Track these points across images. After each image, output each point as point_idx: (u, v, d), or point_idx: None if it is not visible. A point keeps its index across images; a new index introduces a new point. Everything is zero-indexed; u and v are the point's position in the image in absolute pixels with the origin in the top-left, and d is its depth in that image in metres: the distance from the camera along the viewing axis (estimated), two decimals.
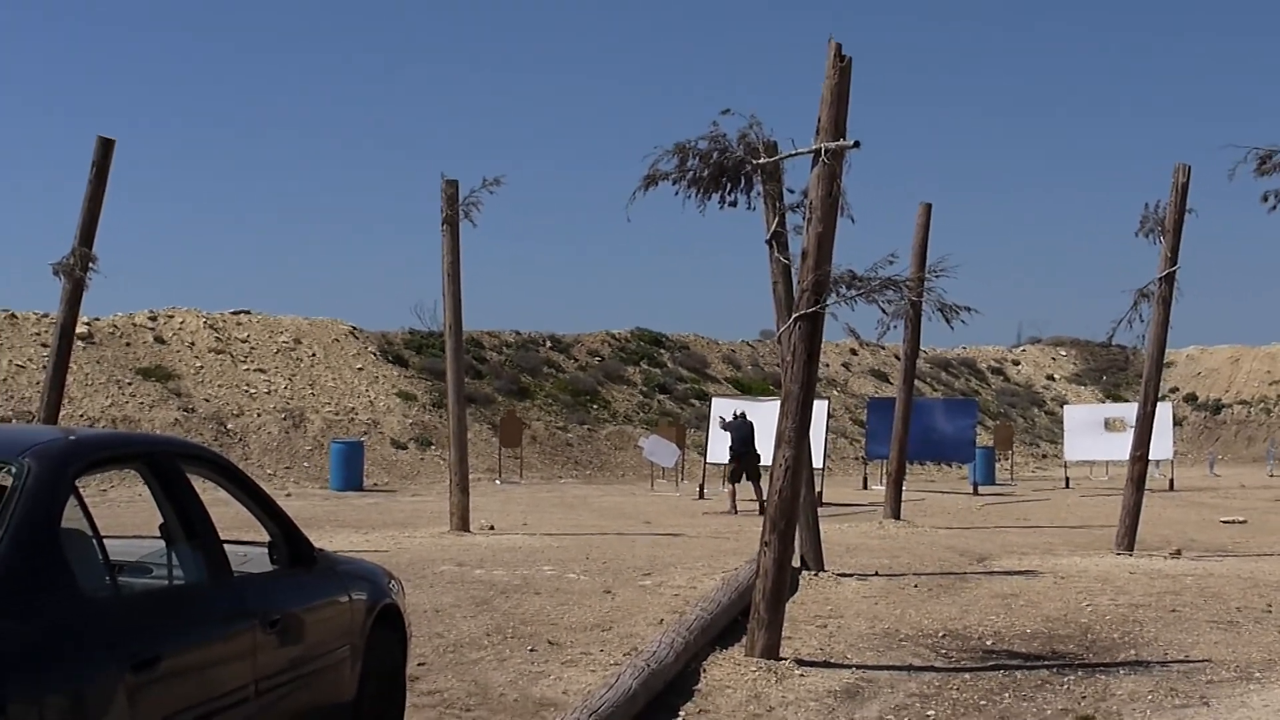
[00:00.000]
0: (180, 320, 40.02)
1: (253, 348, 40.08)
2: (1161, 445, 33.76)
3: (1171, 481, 38.85)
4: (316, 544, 7.35)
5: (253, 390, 37.84)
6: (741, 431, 27.95)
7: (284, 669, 6.42)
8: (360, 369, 41.30)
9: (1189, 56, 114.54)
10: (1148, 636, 12.43)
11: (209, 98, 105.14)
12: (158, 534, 6.24)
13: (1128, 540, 19.67)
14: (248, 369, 38.82)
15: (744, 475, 27.87)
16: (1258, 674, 10.61)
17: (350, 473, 32.78)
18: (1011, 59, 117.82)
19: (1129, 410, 33.38)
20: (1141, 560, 18.61)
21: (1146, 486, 20.69)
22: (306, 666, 6.68)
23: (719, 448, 31.67)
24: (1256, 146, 11.19)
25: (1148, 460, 20.46)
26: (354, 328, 43.70)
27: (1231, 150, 11.44)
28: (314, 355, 40.96)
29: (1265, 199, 11.61)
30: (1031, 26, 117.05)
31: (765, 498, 25.83)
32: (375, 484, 34.27)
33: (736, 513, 26.86)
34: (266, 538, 6.99)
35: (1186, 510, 30.00)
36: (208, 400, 36.55)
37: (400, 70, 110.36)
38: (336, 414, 38.31)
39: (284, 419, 37.03)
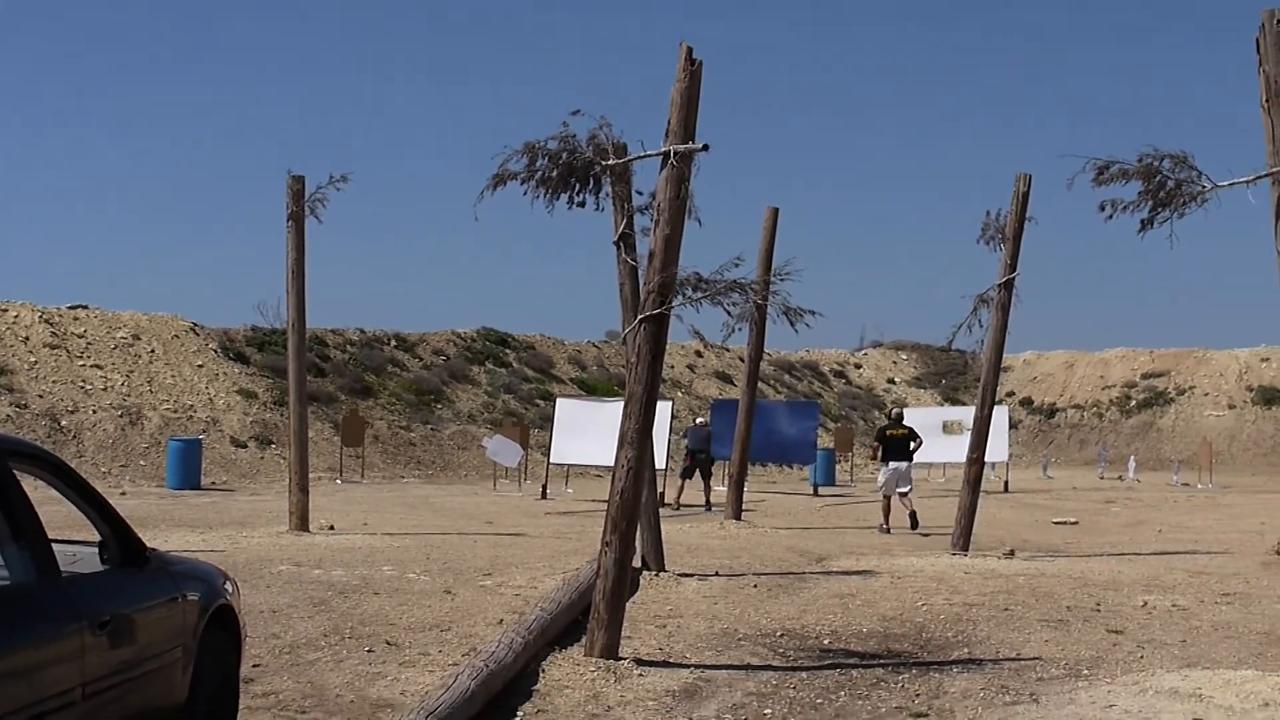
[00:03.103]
0: (14, 315, 39.04)
1: (89, 343, 39.24)
2: (997, 448, 34.37)
3: (1006, 483, 39.62)
4: (150, 543, 7.23)
5: (89, 387, 37.05)
6: (700, 434, 31.30)
7: (114, 671, 6.30)
8: (200, 366, 40.65)
9: (1032, 63, 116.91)
10: (981, 635, 12.65)
11: (48, 91, 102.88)
12: None
13: (963, 541, 20.01)
14: (84, 365, 38.01)
15: (695, 472, 30.92)
16: (1086, 671, 10.85)
17: (188, 471, 32.19)
18: (856, 63, 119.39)
19: (966, 413, 33.98)
20: (976, 560, 18.95)
21: (982, 488, 21.07)
22: (137, 669, 6.56)
23: (563, 448, 32.01)
24: (1094, 157, 11.41)
25: (983, 462, 20.84)
26: (194, 324, 42.98)
27: (1071, 160, 11.66)
28: (153, 351, 40.22)
29: (1102, 208, 11.85)
30: (875, 32, 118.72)
31: (708, 494, 28.88)
32: (213, 483, 33.73)
33: (679, 509, 28.68)
34: (97, 537, 6.85)
35: (1020, 512, 30.63)
36: (41, 396, 35.72)
37: (244, 65, 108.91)
38: (175, 411, 37.67)
39: (120, 416, 36.32)
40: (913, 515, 24.33)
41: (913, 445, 24.84)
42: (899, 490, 24.52)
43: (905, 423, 25.98)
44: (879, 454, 25.21)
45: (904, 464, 24.58)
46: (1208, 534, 24.56)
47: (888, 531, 24.03)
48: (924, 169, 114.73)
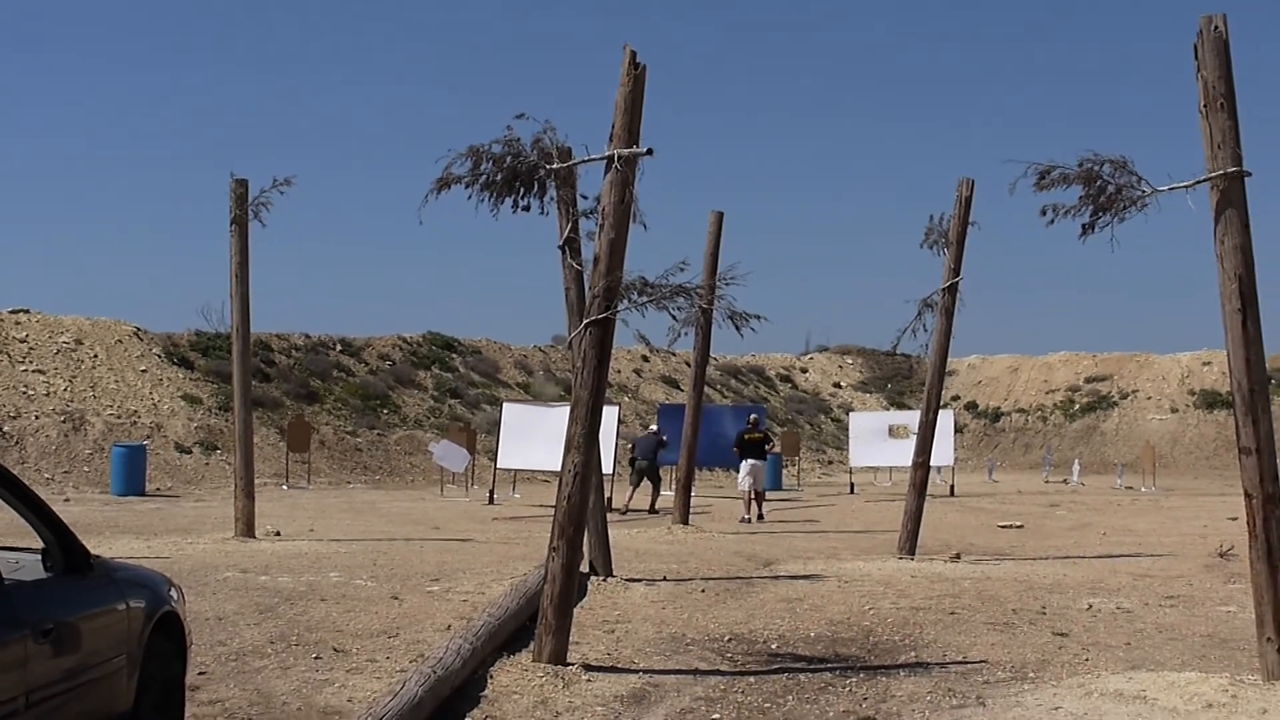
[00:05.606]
0: None
1: (31, 348, 38.89)
2: (943, 452, 34.56)
3: (952, 487, 39.76)
4: (94, 550, 7.18)
5: (31, 392, 36.72)
6: (647, 443, 30.89)
7: (58, 679, 6.26)
8: (144, 371, 40.34)
9: (974, 66, 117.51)
10: (927, 638, 12.71)
11: None
12: None
13: (909, 544, 20.09)
14: (26, 370, 37.67)
15: (644, 479, 30.88)
16: (1032, 674, 10.93)
17: (132, 477, 31.94)
18: (800, 67, 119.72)
19: (912, 418, 34.09)
20: (922, 564, 19.04)
21: (928, 492, 21.16)
22: (81, 676, 6.52)
23: (510, 453, 31.88)
24: (1036, 162, 11.46)
25: (929, 466, 20.94)
26: (138, 329, 42.66)
27: (1013, 164, 11.71)
28: (96, 356, 39.89)
29: (1044, 213, 11.90)
30: (817, 37, 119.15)
31: (652, 501, 29.57)
32: (158, 489, 33.49)
33: (626, 514, 28.99)
34: (40, 544, 6.80)
35: (966, 515, 30.75)
36: None
37: (188, 68, 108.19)
38: (118, 417, 37.36)
39: (63, 421, 36.01)
40: (759, 512, 27.94)
41: (767, 447, 29.04)
42: (754, 488, 28.02)
43: (761, 428, 29.88)
44: (739, 454, 28.33)
45: (759, 462, 28.19)
46: (1151, 537, 24.73)
47: (748, 520, 27.39)
48: (867, 173, 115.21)
